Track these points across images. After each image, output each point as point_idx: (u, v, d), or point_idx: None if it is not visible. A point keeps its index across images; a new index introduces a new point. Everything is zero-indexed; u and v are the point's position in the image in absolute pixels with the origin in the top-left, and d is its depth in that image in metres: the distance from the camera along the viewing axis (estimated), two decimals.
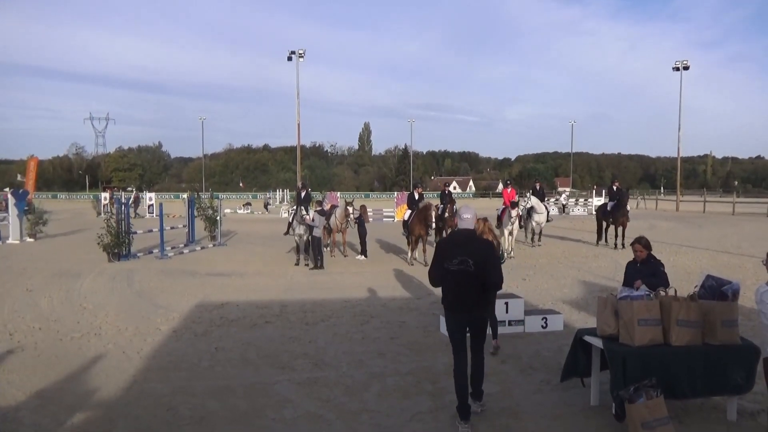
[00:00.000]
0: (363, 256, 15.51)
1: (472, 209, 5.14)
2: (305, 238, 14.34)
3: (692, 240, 19.40)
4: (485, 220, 7.95)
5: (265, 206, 45.74)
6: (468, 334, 5.08)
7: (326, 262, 14.25)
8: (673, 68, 42.73)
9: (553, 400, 5.50)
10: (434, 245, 17.05)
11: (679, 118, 42.36)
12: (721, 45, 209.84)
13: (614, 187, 18.13)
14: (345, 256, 16.02)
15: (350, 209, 15.45)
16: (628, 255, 15.65)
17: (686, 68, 42.21)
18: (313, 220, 13.90)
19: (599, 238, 18.09)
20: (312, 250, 14.07)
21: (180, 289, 11.15)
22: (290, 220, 15.31)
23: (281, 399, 5.58)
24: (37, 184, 44.35)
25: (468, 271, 4.80)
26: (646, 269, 5.93)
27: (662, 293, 5.15)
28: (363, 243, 15.73)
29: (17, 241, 19.15)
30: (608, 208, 17.72)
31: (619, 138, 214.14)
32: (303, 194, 15.29)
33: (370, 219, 20.79)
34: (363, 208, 16.59)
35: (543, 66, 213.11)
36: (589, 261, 14.85)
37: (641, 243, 6.09)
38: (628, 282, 5.92)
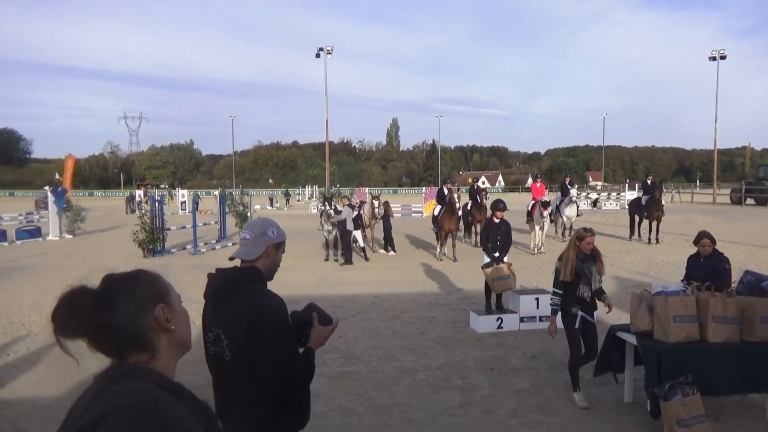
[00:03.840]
0: (392, 251, 15.61)
1: (264, 222, 2.54)
2: (334, 233, 14.46)
3: (730, 234, 18.86)
4: (589, 233, 5.28)
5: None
6: None
7: (355, 257, 14.34)
8: (709, 58, 41.47)
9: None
10: (463, 240, 17.16)
11: (715, 109, 41.19)
12: (760, 32, 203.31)
13: (648, 181, 17.77)
14: (374, 251, 16.09)
15: (376, 203, 15.62)
16: (662, 250, 15.39)
17: (723, 58, 40.91)
18: (340, 213, 14.03)
19: (632, 232, 17.74)
20: (342, 245, 14.19)
21: None
22: (321, 216, 15.49)
23: (313, 393, 5.58)
24: (74, 182, 45.60)
25: (223, 360, 2.33)
26: (707, 264, 5.68)
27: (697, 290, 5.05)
28: (389, 238, 15.84)
29: (57, 238, 19.74)
30: (642, 202, 17.38)
31: (653, 130, 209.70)
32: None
33: (394, 214, 20.90)
34: (386, 204, 16.75)
35: (573, 57, 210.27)
36: (622, 256, 14.58)
37: (709, 237, 5.76)
38: (690, 277, 5.62)
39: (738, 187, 37.93)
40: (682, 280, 5.69)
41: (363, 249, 14.79)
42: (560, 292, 5.33)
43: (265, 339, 2.21)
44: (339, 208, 14.34)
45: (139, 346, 1.26)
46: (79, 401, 1.17)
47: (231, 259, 2.47)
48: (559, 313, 5.35)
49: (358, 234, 14.60)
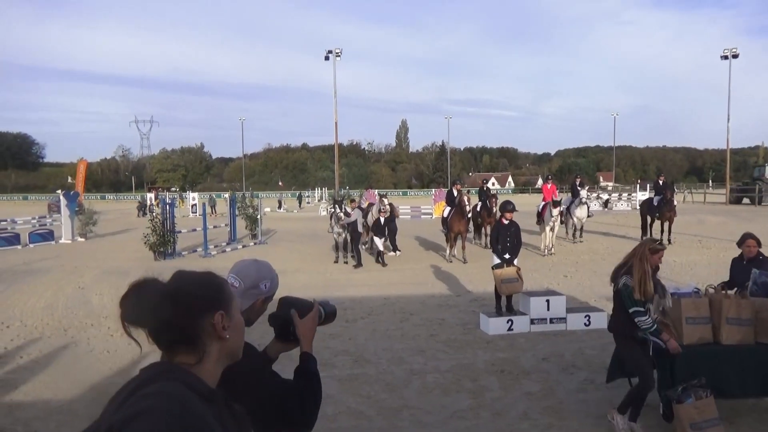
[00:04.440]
0: (398, 252, 15.63)
1: (259, 271, 2.28)
2: (344, 236, 14.48)
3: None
4: (661, 246, 4.71)
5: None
6: None
7: (364, 259, 14.34)
8: (721, 56, 41.10)
9: (597, 399, 5.40)
10: (473, 242, 17.11)
11: (728, 108, 40.78)
12: None
13: (660, 181, 17.63)
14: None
15: (385, 201, 15.69)
16: (674, 251, 15.24)
17: (735, 56, 40.52)
18: (350, 215, 14.06)
19: (644, 233, 17.58)
20: (353, 247, 14.19)
21: None
22: (330, 218, 15.53)
23: (323, 395, 5.64)
24: (86, 186, 46.04)
25: None
26: (752, 268, 5.36)
27: (711, 290, 5.00)
28: (393, 240, 15.89)
29: (69, 241, 19.92)
30: (654, 203, 17.25)
31: (664, 130, 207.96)
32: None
33: (400, 215, 20.98)
34: (391, 205, 16.81)
35: (583, 57, 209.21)
36: None
37: (754, 238, 5.38)
38: (734, 282, 5.42)
39: (735, 187, 39.39)
40: (723, 283, 5.35)
41: (379, 253, 14.70)
42: (644, 309, 4.44)
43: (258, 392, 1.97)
44: (349, 210, 14.37)
45: (190, 347, 1.27)
46: (117, 395, 1.19)
47: None
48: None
49: (378, 240, 14.62)
